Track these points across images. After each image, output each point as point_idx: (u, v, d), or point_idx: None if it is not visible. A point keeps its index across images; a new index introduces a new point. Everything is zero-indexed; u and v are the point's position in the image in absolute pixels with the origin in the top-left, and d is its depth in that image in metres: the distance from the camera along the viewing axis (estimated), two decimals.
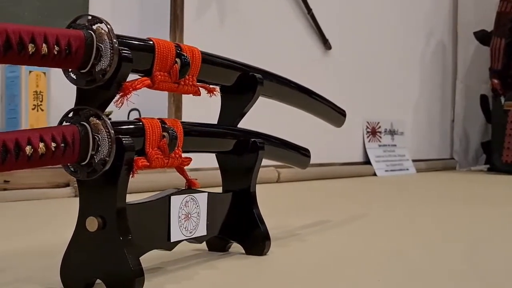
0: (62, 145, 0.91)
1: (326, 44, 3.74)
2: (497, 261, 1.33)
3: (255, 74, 1.33)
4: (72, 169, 0.98)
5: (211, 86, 1.26)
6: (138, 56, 1.05)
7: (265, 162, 3.44)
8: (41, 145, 0.87)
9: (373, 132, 4.18)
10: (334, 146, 3.86)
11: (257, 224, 1.32)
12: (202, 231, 1.22)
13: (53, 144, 0.89)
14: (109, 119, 2.98)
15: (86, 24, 0.96)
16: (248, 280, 1.15)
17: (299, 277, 1.16)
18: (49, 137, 0.89)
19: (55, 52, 0.90)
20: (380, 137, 4.23)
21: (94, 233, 0.98)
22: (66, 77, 0.98)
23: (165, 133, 1.08)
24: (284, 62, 3.55)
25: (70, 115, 0.98)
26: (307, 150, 1.61)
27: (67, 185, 2.51)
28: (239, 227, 1.32)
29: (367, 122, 4.15)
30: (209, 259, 1.27)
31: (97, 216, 0.98)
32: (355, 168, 3.95)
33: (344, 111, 1.83)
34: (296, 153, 1.55)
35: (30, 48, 0.86)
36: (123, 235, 0.98)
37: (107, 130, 0.95)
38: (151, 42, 1.08)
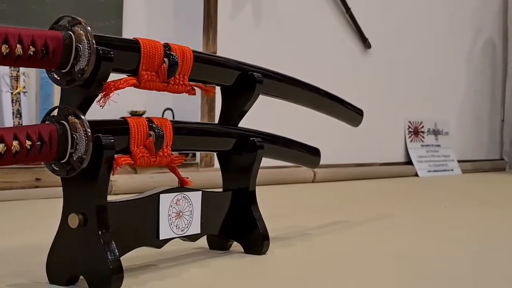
0: (38, 143, 0.93)
1: (365, 43, 3.71)
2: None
3: (254, 73, 1.33)
4: (53, 166, 1.00)
5: (207, 85, 1.26)
6: (123, 56, 1.06)
7: None
8: (15, 143, 0.89)
9: (416, 132, 4.11)
10: (374, 146, 3.82)
11: (255, 224, 1.32)
12: (195, 229, 1.23)
13: (28, 142, 0.91)
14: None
15: (67, 25, 0.98)
16: (234, 278, 1.15)
17: (286, 277, 1.16)
18: (23, 135, 0.91)
19: (31, 53, 0.92)
20: (423, 137, 4.16)
21: (75, 229, 1.00)
22: (49, 77, 1.00)
23: (151, 132, 1.10)
24: (322, 61, 3.54)
25: (52, 113, 1.00)
26: (316, 150, 1.59)
27: None
28: (238, 226, 1.33)
29: (409, 122, 4.09)
30: (205, 258, 1.28)
31: (79, 213, 1.00)
32: (395, 169, 3.90)
33: (361, 110, 1.81)
34: (303, 153, 1.54)
35: (4, 49, 0.88)
36: (103, 232, 1.00)
37: (84, 129, 0.96)
38: (137, 42, 1.09)
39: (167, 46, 1.13)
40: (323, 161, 3.44)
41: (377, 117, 3.87)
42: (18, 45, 0.90)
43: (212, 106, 2.97)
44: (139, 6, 2.98)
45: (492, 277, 1.18)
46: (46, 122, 0.99)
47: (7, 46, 0.89)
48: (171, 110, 2.96)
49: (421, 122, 4.16)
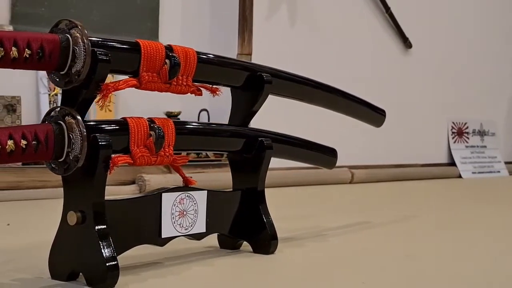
0: (34, 142, 0.96)
1: (406, 42, 3.66)
2: None
3: (262, 74, 1.34)
4: (52, 165, 1.03)
5: (213, 86, 1.28)
6: (123, 57, 1.09)
7: (338, 163, 3.43)
8: (10, 142, 0.93)
9: (460, 132, 4.04)
10: (415, 146, 3.77)
11: (263, 223, 1.33)
12: (200, 228, 1.24)
13: (24, 142, 0.94)
14: (178, 119, 3.06)
15: (65, 28, 1.01)
16: (234, 277, 1.16)
17: (287, 276, 1.16)
18: (19, 135, 0.94)
19: (27, 55, 0.95)
20: (468, 138, 4.08)
21: (74, 227, 1.03)
22: (49, 78, 1.03)
23: (152, 132, 1.12)
24: (361, 62, 3.52)
25: (52, 114, 1.03)
26: (333, 151, 1.59)
27: (133, 182, 2.61)
28: (246, 225, 1.34)
29: (453, 123, 4.02)
30: (211, 256, 1.29)
31: (78, 211, 1.03)
32: (438, 170, 3.84)
33: (383, 111, 1.79)
34: (318, 153, 1.54)
35: None
36: (99, 229, 1.02)
37: (79, 129, 0.99)
38: (137, 44, 1.11)
39: (169, 48, 1.15)
40: (361, 162, 3.44)
41: (419, 118, 3.82)
42: (14, 48, 0.93)
43: None
44: (175, 9, 3.02)
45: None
46: (46, 122, 1.02)
47: (2, 49, 0.92)
48: (207, 111, 2.99)
49: (466, 123, 4.08)
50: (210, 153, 2.85)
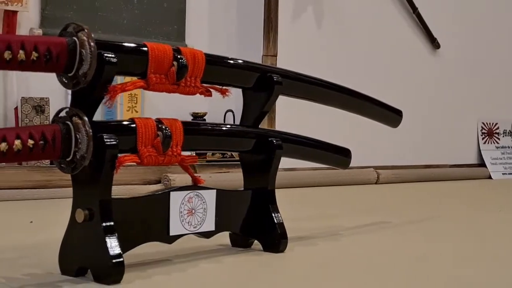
0: (41, 142, 0.99)
1: (434, 43, 3.64)
2: None
3: (272, 75, 1.36)
4: (61, 164, 1.06)
5: (223, 87, 1.30)
6: (130, 60, 1.12)
7: (363, 163, 3.38)
8: (17, 142, 0.96)
9: (490, 133, 3.99)
10: (444, 147, 3.74)
11: (273, 222, 1.35)
12: (209, 226, 1.27)
13: (31, 142, 0.98)
14: (204, 119, 3.08)
15: (73, 31, 1.04)
16: (240, 274, 1.18)
17: (292, 275, 1.18)
18: (26, 135, 0.98)
19: (34, 58, 0.98)
20: (498, 138, 4.03)
21: (82, 224, 1.07)
22: (59, 80, 1.07)
23: (159, 132, 1.15)
24: (388, 62, 3.51)
25: (60, 114, 1.07)
26: (346, 151, 1.60)
27: (158, 181, 2.65)
28: (257, 224, 1.36)
29: (483, 123, 3.98)
30: (220, 254, 1.31)
31: (85, 208, 1.06)
32: (467, 170, 3.80)
33: (400, 111, 1.79)
34: (330, 154, 1.55)
35: (6, 55, 0.95)
36: (106, 226, 1.05)
37: (85, 129, 1.02)
38: (145, 47, 1.14)
39: (177, 50, 1.18)
40: (388, 162, 3.43)
41: (448, 118, 3.79)
42: (21, 51, 0.97)
43: (273, 108, 3.00)
44: (201, 11, 3.05)
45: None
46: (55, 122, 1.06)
47: (10, 52, 0.96)
48: (232, 112, 3.01)
49: (496, 124, 4.04)
50: (235, 153, 2.87)
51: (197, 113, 2.93)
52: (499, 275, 1.21)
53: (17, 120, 2.48)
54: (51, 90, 2.54)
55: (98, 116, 2.77)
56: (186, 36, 2.99)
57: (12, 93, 2.52)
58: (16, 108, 2.49)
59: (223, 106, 3.04)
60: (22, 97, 2.48)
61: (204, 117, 2.94)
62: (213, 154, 2.89)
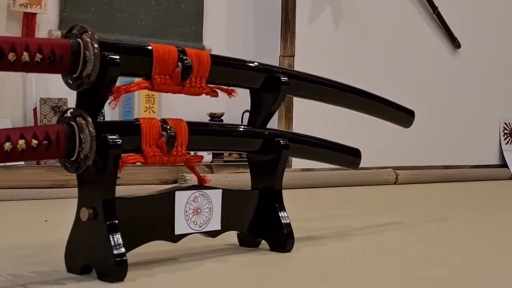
0: (45, 142, 1.01)
1: (454, 43, 3.61)
2: None
3: (279, 75, 1.36)
4: (66, 164, 1.08)
5: (229, 88, 1.31)
6: (135, 61, 1.13)
7: (382, 163, 3.37)
8: (21, 142, 0.98)
9: None
10: (464, 147, 3.71)
11: (280, 222, 1.35)
12: (215, 226, 1.28)
13: (35, 141, 1.00)
14: (221, 120, 3.10)
15: (77, 33, 1.06)
16: (243, 273, 1.19)
17: (295, 275, 1.18)
18: (30, 135, 1.00)
19: (38, 60, 1.00)
20: None
21: (86, 222, 1.08)
22: (64, 81, 1.09)
23: (163, 132, 1.16)
24: (408, 62, 3.49)
25: (65, 115, 1.09)
26: (355, 151, 1.60)
27: (175, 181, 2.67)
28: (264, 224, 1.36)
29: (505, 123, 3.94)
30: (227, 254, 1.32)
31: (90, 207, 1.08)
32: (488, 171, 3.77)
33: (412, 111, 1.78)
34: (339, 154, 1.55)
35: (11, 56, 0.97)
36: (110, 225, 1.07)
37: (89, 129, 1.04)
38: (149, 48, 1.15)
39: (182, 51, 1.19)
40: (408, 163, 3.41)
41: (469, 118, 3.76)
42: (25, 53, 0.99)
43: (290, 108, 3.01)
44: (219, 12, 3.07)
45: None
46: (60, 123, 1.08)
47: (14, 53, 0.98)
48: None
49: None
50: None
51: (214, 114, 2.94)
52: (509, 278, 1.20)
53: (36, 120, 2.52)
54: (69, 91, 2.55)
55: (115, 116, 2.82)
56: (203, 37, 3.00)
57: (31, 94, 2.56)
58: (35, 109, 2.53)
59: (241, 107, 3.05)
60: (40, 97, 2.52)
61: (221, 118, 2.95)
62: (230, 154, 2.91)
